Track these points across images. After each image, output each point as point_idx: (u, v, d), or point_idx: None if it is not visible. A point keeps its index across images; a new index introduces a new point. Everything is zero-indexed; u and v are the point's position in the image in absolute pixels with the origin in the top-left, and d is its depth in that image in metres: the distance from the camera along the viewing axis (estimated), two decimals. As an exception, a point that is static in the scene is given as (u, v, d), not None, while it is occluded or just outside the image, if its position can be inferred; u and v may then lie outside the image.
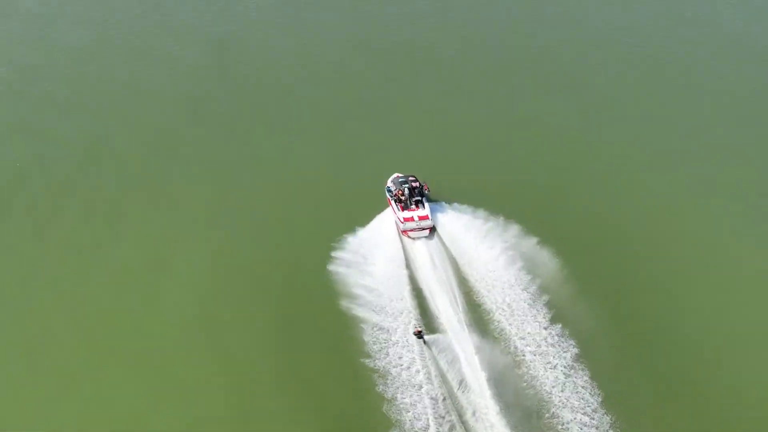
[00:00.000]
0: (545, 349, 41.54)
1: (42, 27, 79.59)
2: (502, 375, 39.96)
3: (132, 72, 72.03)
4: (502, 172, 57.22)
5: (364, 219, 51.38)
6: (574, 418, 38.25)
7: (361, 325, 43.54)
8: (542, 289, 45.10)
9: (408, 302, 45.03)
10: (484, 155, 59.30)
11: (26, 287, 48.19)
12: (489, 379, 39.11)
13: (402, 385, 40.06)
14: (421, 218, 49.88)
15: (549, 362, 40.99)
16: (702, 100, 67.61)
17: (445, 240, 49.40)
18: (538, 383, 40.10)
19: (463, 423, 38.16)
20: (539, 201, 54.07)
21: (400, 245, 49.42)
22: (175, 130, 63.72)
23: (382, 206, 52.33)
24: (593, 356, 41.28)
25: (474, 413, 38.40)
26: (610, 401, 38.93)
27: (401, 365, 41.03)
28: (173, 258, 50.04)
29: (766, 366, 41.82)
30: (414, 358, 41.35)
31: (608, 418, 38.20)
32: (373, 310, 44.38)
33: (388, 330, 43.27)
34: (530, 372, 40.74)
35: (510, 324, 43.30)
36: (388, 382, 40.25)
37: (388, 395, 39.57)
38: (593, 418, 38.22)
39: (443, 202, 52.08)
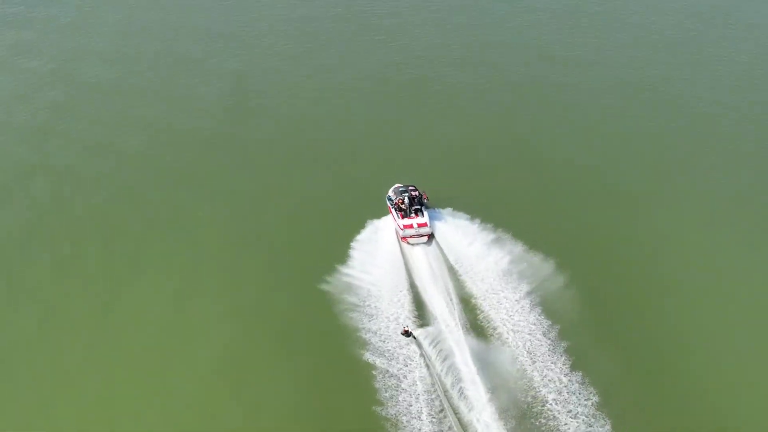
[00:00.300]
0: (536, 342, 44.11)
1: (62, 64, 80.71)
2: (492, 366, 42.43)
3: (151, 109, 71.98)
4: (497, 183, 59.80)
5: (366, 225, 53.94)
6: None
7: (360, 331, 45.78)
8: (534, 290, 47.43)
9: (406, 302, 47.41)
10: (481, 167, 61.97)
11: (44, 331, 47.33)
12: (479, 372, 41.42)
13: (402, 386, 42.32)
14: (420, 225, 52.30)
15: (537, 358, 43.39)
16: (699, 110, 70.45)
17: (442, 246, 51.82)
18: (527, 375, 42.38)
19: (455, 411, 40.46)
20: (533, 210, 56.51)
21: (399, 251, 51.90)
22: (192, 166, 63.65)
23: (383, 214, 54.83)
24: (581, 349, 43.80)
25: (465, 401, 40.50)
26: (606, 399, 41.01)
27: (399, 362, 43.48)
28: (193, 299, 49.36)
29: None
30: (409, 356, 43.73)
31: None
32: (371, 314, 46.72)
33: (384, 332, 45.63)
34: (523, 367, 42.91)
35: (503, 323, 45.60)
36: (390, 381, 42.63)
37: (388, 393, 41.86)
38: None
39: (441, 211, 54.51)
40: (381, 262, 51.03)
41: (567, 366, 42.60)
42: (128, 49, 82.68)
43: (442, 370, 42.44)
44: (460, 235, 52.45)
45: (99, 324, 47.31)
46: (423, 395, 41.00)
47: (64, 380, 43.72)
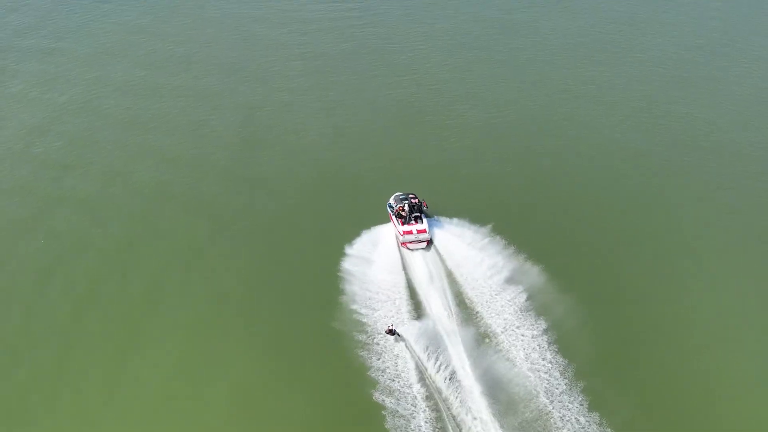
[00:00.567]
0: (523, 336, 47.28)
1: (82, 95, 79.49)
2: (482, 357, 45.34)
3: (168, 140, 71.52)
4: (494, 193, 62.46)
5: (368, 232, 56.45)
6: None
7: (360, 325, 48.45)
8: (527, 294, 50.11)
9: (404, 304, 49.96)
10: (479, 177, 64.78)
11: (63, 368, 46.83)
12: (472, 365, 44.25)
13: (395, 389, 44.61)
14: (420, 231, 54.75)
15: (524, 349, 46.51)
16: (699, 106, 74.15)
17: (440, 251, 54.30)
18: (516, 364, 45.39)
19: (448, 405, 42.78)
20: (529, 219, 59.13)
21: (399, 256, 54.39)
22: (207, 196, 63.19)
23: (384, 221, 57.34)
24: (568, 342, 46.77)
25: (458, 398, 42.79)
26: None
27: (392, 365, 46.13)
28: (208, 334, 49.11)
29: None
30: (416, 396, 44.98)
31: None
32: (379, 352, 47.64)
33: (392, 371, 46.49)
34: (515, 362, 45.68)
35: (496, 324, 48.29)
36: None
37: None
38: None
39: (440, 218, 57.04)
40: (381, 266, 53.66)
41: (553, 351, 46.09)
42: (148, 80, 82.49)
43: (433, 368, 44.71)
44: (457, 240, 54.99)
45: (117, 360, 46.94)
46: None
47: (83, 417, 43.70)
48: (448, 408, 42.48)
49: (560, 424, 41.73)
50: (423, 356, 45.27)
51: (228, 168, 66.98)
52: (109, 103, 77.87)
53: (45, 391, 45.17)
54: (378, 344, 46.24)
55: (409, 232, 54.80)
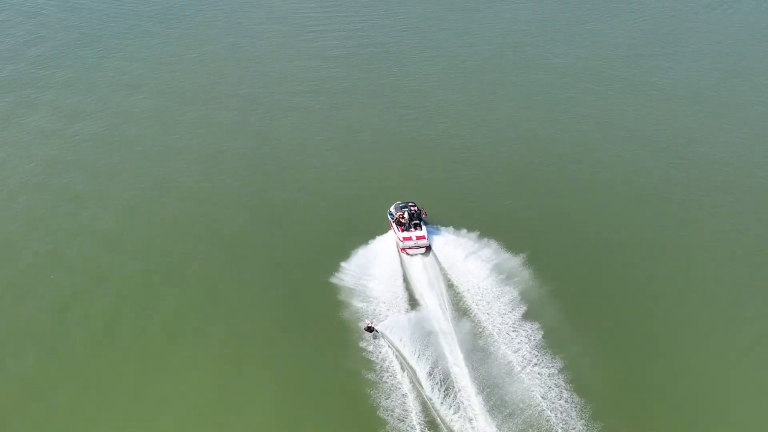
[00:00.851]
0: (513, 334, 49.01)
1: (102, 127, 78.91)
2: (476, 354, 47.15)
3: (182, 170, 71.18)
4: (491, 201, 64.68)
5: (369, 238, 58.73)
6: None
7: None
8: (520, 295, 52.07)
9: (402, 306, 51.97)
10: (476, 186, 67.10)
11: (81, 407, 46.61)
12: (466, 358, 46.11)
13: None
14: (419, 238, 56.57)
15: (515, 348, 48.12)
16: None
17: (439, 257, 56.14)
18: (507, 359, 47.05)
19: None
20: (526, 227, 61.21)
21: (399, 261, 56.31)
22: (224, 228, 62.79)
23: (385, 229, 59.41)
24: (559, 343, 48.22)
25: (453, 406, 44.26)
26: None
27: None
28: (228, 369, 48.84)
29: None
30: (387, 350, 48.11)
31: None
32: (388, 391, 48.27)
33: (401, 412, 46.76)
34: (507, 361, 47.17)
35: (491, 324, 49.97)
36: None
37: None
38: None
39: (439, 226, 59.10)
40: (380, 271, 55.62)
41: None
42: (166, 111, 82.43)
43: (417, 363, 46.72)
44: (454, 247, 56.91)
45: (134, 397, 46.75)
46: None
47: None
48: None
49: None
50: (407, 354, 47.33)
51: (243, 197, 66.65)
52: (127, 135, 77.44)
53: (61, 429, 45.29)
54: (386, 382, 46.31)
55: (409, 238, 56.71)
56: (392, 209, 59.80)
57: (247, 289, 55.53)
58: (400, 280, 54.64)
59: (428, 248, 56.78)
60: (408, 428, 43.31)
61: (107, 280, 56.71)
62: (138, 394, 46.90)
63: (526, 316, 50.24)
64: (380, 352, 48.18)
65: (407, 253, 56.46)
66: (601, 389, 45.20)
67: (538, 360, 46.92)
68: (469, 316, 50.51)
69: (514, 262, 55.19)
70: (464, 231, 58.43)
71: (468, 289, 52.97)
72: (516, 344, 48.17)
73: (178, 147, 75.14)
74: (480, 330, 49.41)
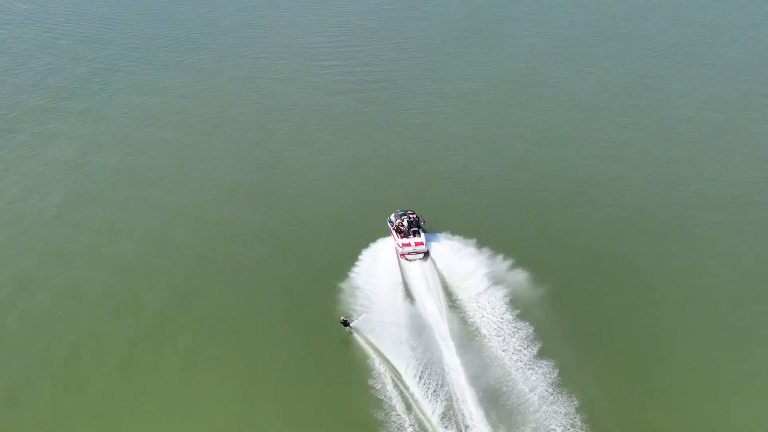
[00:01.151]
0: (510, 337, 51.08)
1: (122, 158, 78.47)
2: (471, 351, 49.39)
3: (195, 201, 70.76)
4: (488, 210, 67.46)
5: (370, 245, 61.16)
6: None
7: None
8: (512, 301, 54.41)
9: (401, 307, 54.25)
10: (473, 196, 69.76)
11: None
12: (458, 352, 48.68)
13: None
14: (417, 244, 59.09)
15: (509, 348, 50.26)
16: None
17: (436, 262, 58.50)
18: (506, 368, 48.73)
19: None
20: (521, 234, 63.90)
21: (398, 265, 58.66)
22: (240, 260, 62.24)
23: (385, 236, 61.87)
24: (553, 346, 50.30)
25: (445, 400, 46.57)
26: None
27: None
28: (245, 405, 48.28)
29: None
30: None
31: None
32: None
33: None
34: (502, 361, 49.32)
35: (486, 326, 52.37)
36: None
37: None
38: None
39: (436, 233, 61.57)
40: (381, 276, 57.97)
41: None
42: (180, 142, 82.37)
43: (397, 360, 49.38)
44: (451, 253, 59.32)
45: None
46: None
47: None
48: None
49: None
50: (385, 350, 50.44)
51: (255, 227, 66.31)
52: (141, 166, 77.04)
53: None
54: (394, 421, 46.62)
55: (408, 245, 59.25)
56: (392, 217, 62.43)
57: (262, 319, 54.97)
58: (400, 284, 56.98)
59: (426, 254, 59.28)
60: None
61: (123, 313, 55.87)
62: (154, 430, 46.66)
63: (521, 316, 52.90)
64: (387, 390, 48.14)
65: (406, 259, 58.95)
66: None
67: (526, 355, 49.75)
68: (463, 315, 53.36)
69: (504, 265, 57.82)
70: (461, 238, 60.86)
71: (462, 291, 55.67)
72: (509, 344, 50.59)
73: (192, 177, 74.67)
74: (472, 326, 52.50)
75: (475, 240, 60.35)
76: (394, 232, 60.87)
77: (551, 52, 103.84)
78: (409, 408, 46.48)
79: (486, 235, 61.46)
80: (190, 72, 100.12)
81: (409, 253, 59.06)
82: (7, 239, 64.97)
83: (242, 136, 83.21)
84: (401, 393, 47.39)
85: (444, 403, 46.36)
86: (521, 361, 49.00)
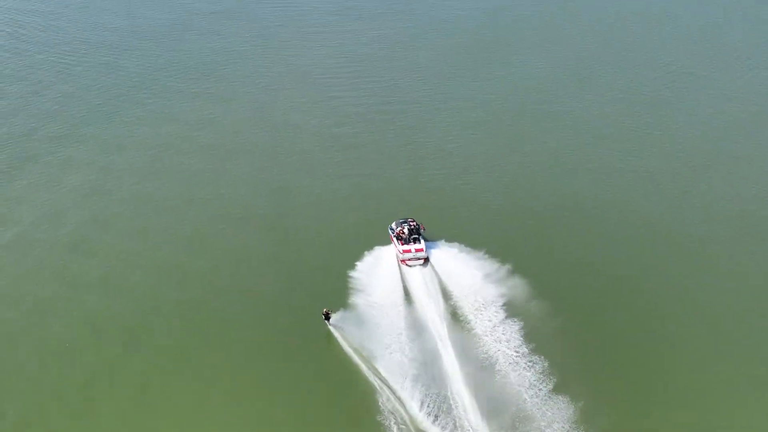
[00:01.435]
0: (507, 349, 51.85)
1: (135, 185, 77.51)
2: (469, 352, 50.65)
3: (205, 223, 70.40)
4: (487, 218, 68.76)
5: (371, 251, 62.31)
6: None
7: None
8: (508, 304, 55.84)
9: (401, 311, 55.56)
10: (472, 203, 71.22)
11: None
12: (458, 354, 49.73)
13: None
14: (417, 250, 60.39)
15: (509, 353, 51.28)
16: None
17: (436, 268, 59.72)
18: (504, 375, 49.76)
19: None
20: (518, 239, 65.44)
21: (398, 271, 59.85)
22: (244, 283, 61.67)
23: (386, 243, 63.13)
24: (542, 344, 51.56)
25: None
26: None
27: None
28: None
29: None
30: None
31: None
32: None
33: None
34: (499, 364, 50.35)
35: (483, 328, 53.55)
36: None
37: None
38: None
39: (437, 241, 62.86)
40: (381, 281, 59.18)
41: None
42: (191, 167, 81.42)
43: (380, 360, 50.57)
44: (451, 259, 60.59)
45: None
46: None
47: None
48: None
49: None
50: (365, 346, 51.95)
51: (266, 253, 65.51)
52: (153, 188, 76.67)
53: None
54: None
55: (408, 251, 60.08)
56: (393, 225, 63.57)
57: (275, 349, 54.17)
58: (400, 289, 57.81)
59: (426, 260, 59.85)
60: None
61: (136, 342, 55.19)
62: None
63: (510, 316, 54.77)
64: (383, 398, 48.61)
65: (407, 265, 59.55)
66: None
67: (521, 354, 51.14)
68: (461, 320, 54.78)
69: (503, 271, 59.12)
70: (460, 244, 62.20)
71: (461, 296, 56.96)
72: (503, 342, 52.11)
73: (204, 203, 73.74)
74: (468, 328, 53.90)
75: (475, 248, 61.51)
76: (394, 239, 61.62)
77: (559, 78, 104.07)
78: (408, 412, 47.31)
79: (488, 245, 62.29)
80: (203, 100, 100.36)
81: (409, 259, 59.74)
82: (21, 268, 63.62)
83: (253, 163, 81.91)
84: (396, 395, 48.33)
85: (441, 404, 47.40)
86: (518, 364, 50.23)
